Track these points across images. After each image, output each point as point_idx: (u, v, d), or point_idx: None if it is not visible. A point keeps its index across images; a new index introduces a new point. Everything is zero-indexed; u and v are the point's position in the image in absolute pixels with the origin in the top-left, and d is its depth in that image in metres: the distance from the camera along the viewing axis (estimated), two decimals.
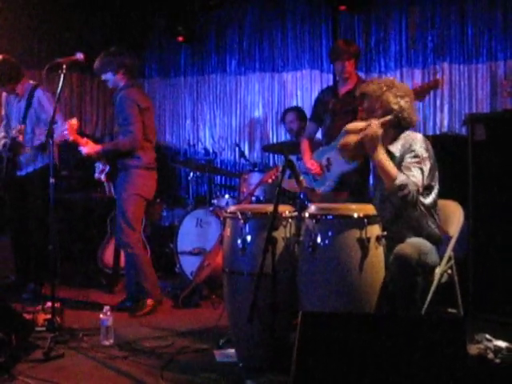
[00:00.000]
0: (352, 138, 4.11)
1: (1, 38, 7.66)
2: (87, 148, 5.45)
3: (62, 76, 4.67)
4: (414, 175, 3.84)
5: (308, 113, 7.04)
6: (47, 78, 5.47)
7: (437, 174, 4.03)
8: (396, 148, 4.02)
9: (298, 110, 7.15)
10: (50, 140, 4.69)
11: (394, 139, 4.06)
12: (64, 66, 4.67)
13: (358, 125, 4.13)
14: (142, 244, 5.69)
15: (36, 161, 6.05)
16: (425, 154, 3.92)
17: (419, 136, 4.04)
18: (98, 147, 5.51)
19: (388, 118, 3.99)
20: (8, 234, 6.45)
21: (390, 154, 3.99)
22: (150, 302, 5.46)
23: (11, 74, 6.01)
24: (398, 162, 3.95)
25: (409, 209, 3.94)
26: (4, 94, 6.26)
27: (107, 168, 5.52)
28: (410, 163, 3.89)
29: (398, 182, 3.81)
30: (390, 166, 3.87)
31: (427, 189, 3.96)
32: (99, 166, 5.58)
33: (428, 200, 3.99)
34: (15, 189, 6.15)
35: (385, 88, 4.03)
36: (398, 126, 4.03)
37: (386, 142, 4.03)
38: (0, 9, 7.57)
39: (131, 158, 5.48)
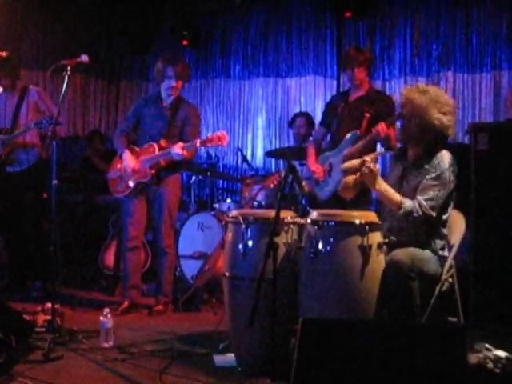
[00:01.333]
0: (350, 179, 4.15)
1: (6, 39, 7.69)
2: (185, 152, 5.30)
3: (67, 78, 4.67)
4: (430, 197, 3.85)
5: (315, 119, 7.11)
6: (52, 79, 5.50)
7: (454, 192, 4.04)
8: (426, 160, 4.01)
9: (308, 116, 7.19)
10: (53, 141, 4.67)
11: (431, 155, 4.01)
12: (68, 68, 4.68)
13: (352, 163, 4.14)
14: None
15: (26, 159, 6.10)
16: (451, 177, 3.92)
17: (448, 156, 3.98)
18: (189, 153, 5.39)
19: (381, 151, 4.05)
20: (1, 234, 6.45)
21: (417, 164, 4.04)
22: (162, 306, 5.62)
23: (16, 69, 6.22)
24: (423, 175, 3.97)
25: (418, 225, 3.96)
26: None
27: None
28: (430, 185, 3.89)
29: (402, 210, 3.84)
30: (393, 195, 3.91)
31: (444, 207, 3.97)
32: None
33: (444, 217, 4.00)
34: (5, 186, 6.16)
35: (430, 103, 3.95)
36: (435, 143, 4.02)
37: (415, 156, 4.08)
38: (5, 11, 7.60)
39: (182, 167, 5.76)
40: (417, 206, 3.82)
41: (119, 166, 5.69)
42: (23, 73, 7.99)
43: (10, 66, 6.11)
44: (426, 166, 3.98)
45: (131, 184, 5.56)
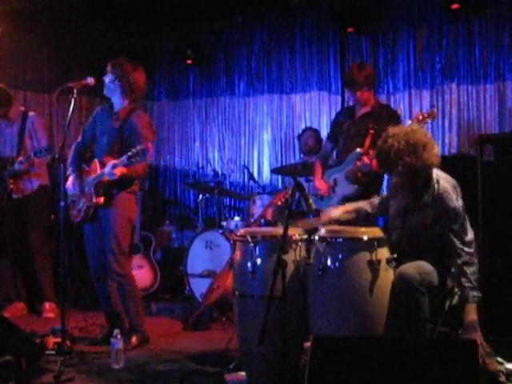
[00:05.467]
0: None
1: (12, 62, 7.73)
2: (118, 169, 4.77)
3: (73, 100, 4.68)
4: (468, 241, 3.84)
5: (322, 134, 7.22)
6: (57, 101, 5.53)
7: None
8: (427, 198, 3.94)
9: (316, 131, 7.30)
10: (60, 163, 4.67)
11: (425, 188, 3.96)
12: (74, 91, 4.69)
13: None
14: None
15: (30, 186, 6.19)
16: (462, 205, 3.88)
17: (448, 187, 3.90)
18: (123, 169, 4.83)
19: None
20: (8, 258, 6.47)
21: (420, 203, 3.96)
22: (135, 339, 5.05)
23: (3, 99, 6.20)
24: (433, 217, 3.90)
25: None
26: None
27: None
28: (459, 231, 3.84)
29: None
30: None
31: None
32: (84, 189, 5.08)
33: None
34: (12, 212, 6.22)
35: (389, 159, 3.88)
36: (417, 178, 3.93)
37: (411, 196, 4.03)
38: (10, 34, 7.65)
39: (131, 184, 5.08)
40: (467, 258, 3.80)
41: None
42: (29, 95, 8.05)
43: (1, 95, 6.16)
44: (435, 207, 3.90)
45: (82, 208, 5.06)
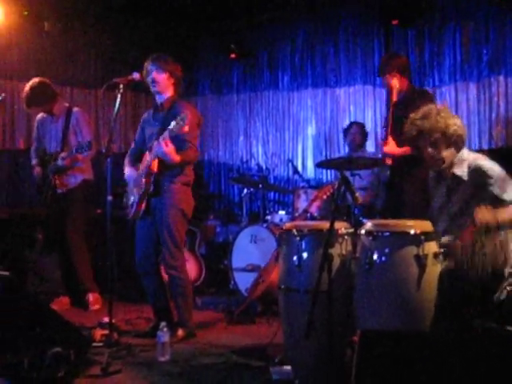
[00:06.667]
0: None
1: (59, 59, 7.85)
2: (169, 149, 4.76)
3: (119, 96, 4.70)
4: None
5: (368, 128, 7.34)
6: (104, 96, 5.58)
7: None
8: (462, 171, 3.92)
9: (363, 126, 7.31)
10: (107, 158, 4.69)
11: (459, 163, 3.95)
12: (121, 86, 4.71)
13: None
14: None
15: (74, 181, 6.29)
16: (500, 171, 3.81)
17: (481, 158, 3.91)
18: (176, 155, 4.83)
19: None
20: (55, 252, 6.60)
21: (457, 179, 3.94)
22: (181, 333, 5.07)
23: (47, 95, 6.28)
24: (471, 186, 3.86)
25: None
26: (39, 116, 6.50)
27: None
28: (504, 185, 3.77)
29: None
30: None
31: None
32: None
33: None
34: (56, 206, 6.34)
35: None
36: (451, 144, 3.94)
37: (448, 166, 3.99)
38: (58, 32, 7.76)
39: (180, 174, 5.06)
40: None
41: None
42: (76, 91, 8.16)
43: (43, 92, 6.25)
44: (471, 178, 3.87)
45: (134, 201, 5.09)
